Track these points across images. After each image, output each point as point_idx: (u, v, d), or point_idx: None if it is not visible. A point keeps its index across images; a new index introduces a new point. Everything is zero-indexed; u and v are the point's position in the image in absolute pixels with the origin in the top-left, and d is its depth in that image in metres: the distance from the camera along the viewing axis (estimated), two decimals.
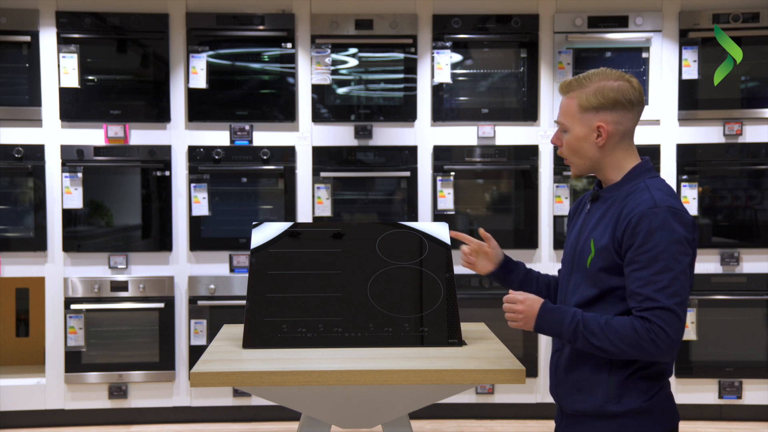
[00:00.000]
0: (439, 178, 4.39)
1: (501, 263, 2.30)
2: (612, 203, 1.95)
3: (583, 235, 2.01)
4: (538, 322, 1.92)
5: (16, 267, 4.36)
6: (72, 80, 4.31)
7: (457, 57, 4.50)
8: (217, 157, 4.38)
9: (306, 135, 4.45)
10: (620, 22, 4.44)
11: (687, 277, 1.84)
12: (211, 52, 4.41)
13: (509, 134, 4.46)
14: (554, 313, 1.91)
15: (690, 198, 4.38)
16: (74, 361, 4.35)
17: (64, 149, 4.34)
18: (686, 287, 1.84)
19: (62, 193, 4.32)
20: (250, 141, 4.43)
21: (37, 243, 4.34)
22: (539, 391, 4.42)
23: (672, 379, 4.42)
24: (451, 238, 2.60)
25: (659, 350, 1.81)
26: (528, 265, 2.37)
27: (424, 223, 2.94)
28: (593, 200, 2.03)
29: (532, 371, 4.38)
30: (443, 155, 4.43)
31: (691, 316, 4.36)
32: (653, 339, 1.80)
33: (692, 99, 4.42)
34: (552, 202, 4.44)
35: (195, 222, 4.40)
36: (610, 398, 1.91)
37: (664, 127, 4.45)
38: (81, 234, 4.38)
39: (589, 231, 1.98)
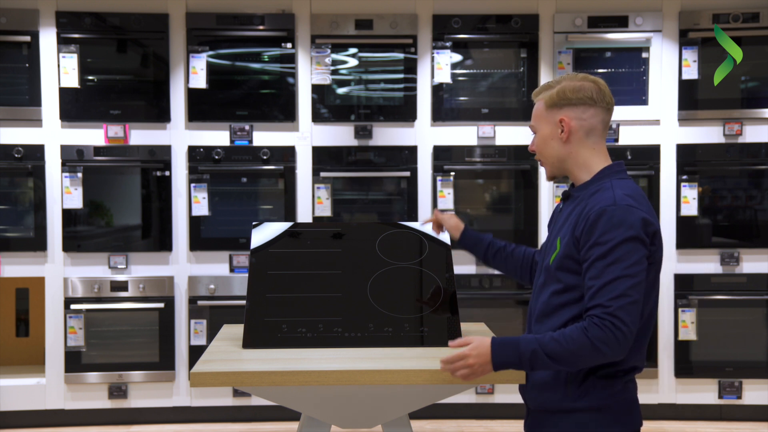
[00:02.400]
0: (439, 178, 4.39)
1: (461, 235, 2.49)
2: (579, 202, 1.99)
3: (552, 234, 2.06)
4: (495, 359, 1.90)
5: (16, 267, 4.36)
6: (72, 80, 4.31)
7: (457, 57, 4.50)
8: (217, 157, 4.38)
9: (306, 135, 4.45)
10: (620, 22, 4.44)
11: (639, 274, 1.84)
12: (211, 52, 4.41)
13: (509, 134, 4.46)
14: (506, 346, 1.90)
15: (690, 198, 4.38)
16: (74, 361, 4.35)
17: (64, 149, 4.34)
18: (636, 285, 1.83)
19: (62, 193, 4.32)
20: (250, 141, 4.43)
21: (37, 243, 4.34)
22: None
23: (672, 379, 4.43)
24: (451, 239, 2.63)
25: (611, 350, 1.82)
26: None
27: None
28: (565, 199, 2.09)
29: None
30: (443, 155, 4.43)
31: (691, 316, 4.36)
32: (606, 340, 1.81)
33: (692, 99, 4.42)
34: (552, 202, 4.44)
35: (195, 222, 4.40)
36: (570, 394, 1.93)
37: (664, 127, 4.45)
38: (81, 234, 4.38)
39: (557, 230, 2.03)
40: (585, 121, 2.00)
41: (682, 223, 4.41)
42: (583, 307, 1.92)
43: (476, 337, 1.96)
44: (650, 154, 4.42)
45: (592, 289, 1.85)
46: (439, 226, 2.58)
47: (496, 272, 4.41)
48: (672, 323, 4.43)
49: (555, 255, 1.98)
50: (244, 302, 2.54)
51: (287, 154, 4.43)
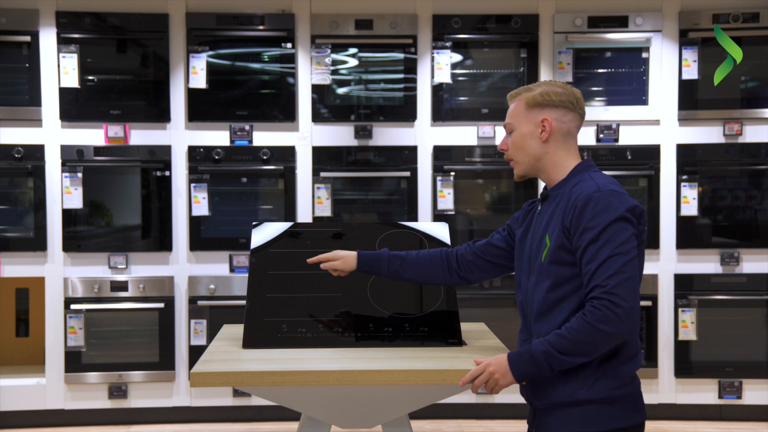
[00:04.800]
0: (439, 178, 4.39)
1: (358, 260, 2.40)
2: (560, 199, 2.04)
3: (537, 234, 2.09)
4: (514, 368, 1.96)
5: (16, 267, 4.36)
6: (72, 80, 4.30)
7: (457, 57, 4.50)
8: (217, 157, 4.38)
9: (306, 135, 4.45)
10: (620, 22, 4.44)
11: (630, 252, 1.90)
12: (211, 52, 4.41)
13: None
14: (521, 355, 1.96)
15: (690, 198, 4.38)
16: (74, 361, 4.35)
17: (64, 149, 4.34)
18: (629, 262, 1.89)
19: (62, 193, 4.32)
20: (250, 141, 4.43)
21: (37, 243, 4.34)
22: None
23: (672, 379, 4.43)
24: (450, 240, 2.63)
25: (614, 327, 1.86)
26: None
27: (424, 223, 2.94)
28: (543, 200, 2.13)
29: None
30: (443, 155, 4.43)
31: (691, 316, 4.36)
32: (605, 319, 1.86)
33: (692, 99, 4.42)
34: None
35: (195, 222, 4.40)
36: (580, 386, 1.95)
37: (664, 127, 4.45)
38: (81, 234, 4.38)
39: (543, 228, 2.06)
40: (564, 124, 2.09)
41: (682, 223, 4.41)
42: (581, 298, 1.96)
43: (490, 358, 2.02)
44: (650, 154, 4.42)
45: (589, 273, 1.91)
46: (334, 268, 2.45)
47: None
48: (672, 323, 4.43)
49: (546, 251, 2.01)
50: (244, 302, 2.54)
51: (287, 154, 4.43)
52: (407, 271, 2.40)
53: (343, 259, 2.42)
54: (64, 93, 4.34)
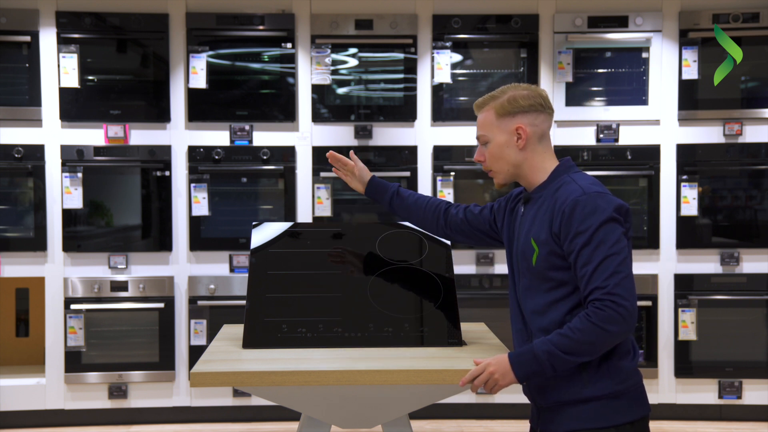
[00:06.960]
0: (439, 178, 4.39)
1: (368, 184, 2.58)
2: (543, 201, 2.05)
3: (521, 237, 2.09)
4: (516, 369, 1.95)
5: (16, 267, 4.36)
6: (72, 80, 4.30)
7: (457, 57, 4.50)
8: (217, 157, 4.38)
9: (306, 135, 4.45)
10: (620, 22, 4.44)
11: (623, 250, 1.92)
12: (211, 52, 4.41)
13: None
14: (523, 355, 1.96)
15: (690, 198, 4.38)
16: (74, 361, 4.35)
17: (64, 149, 4.34)
18: (624, 261, 1.91)
19: (62, 193, 4.32)
20: (250, 141, 4.43)
21: (37, 243, 4.34)
22: None
23: (672, 379, 4.43)
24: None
25: (619, 327, 1.88)
26: None
27: None
28: (525, 202, 2.13)
29: None
30: (443, 155, 4.43)
31: (691, 316, 4.36)
32: (610, 319, 1.87)
33: (692, 99, 4.42)
34: None
35: (195, 222, 4.40)
36: (585, 383, 1.97)
37: (664, 127, 4.45)
38: (81, 234, 4.38)
39: (527, 231, 2.07)
40: (537, 127, 2.09)
41: (682, 223, 4.41)
42: (576, 300, 1.98)
43: (491, 358, 2.02)
44: (650, 154, 4.42)
45: (586, 276, 1.91)
46: (344, 165, 2.64)
47: (496, 272, 4.42)
48: (672, 323, 4.43)
49: (536, 256, 2.02)
50: (244, 302, 2.54)
51: (287, 154, 4.43)
52: (401, 210, 2.51)
53: (360, 172, 2.59)
54: (64, 93, 4.34)
